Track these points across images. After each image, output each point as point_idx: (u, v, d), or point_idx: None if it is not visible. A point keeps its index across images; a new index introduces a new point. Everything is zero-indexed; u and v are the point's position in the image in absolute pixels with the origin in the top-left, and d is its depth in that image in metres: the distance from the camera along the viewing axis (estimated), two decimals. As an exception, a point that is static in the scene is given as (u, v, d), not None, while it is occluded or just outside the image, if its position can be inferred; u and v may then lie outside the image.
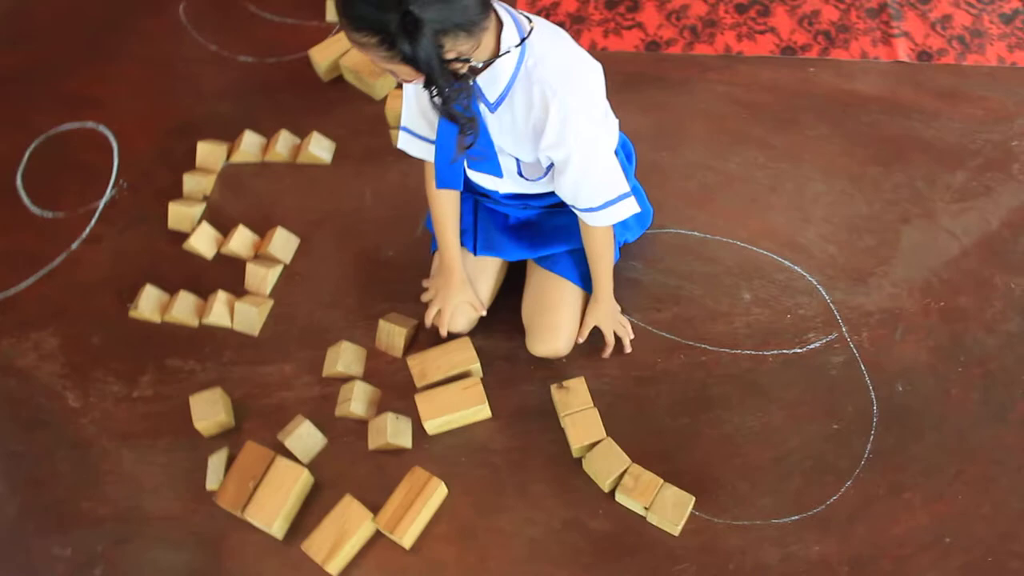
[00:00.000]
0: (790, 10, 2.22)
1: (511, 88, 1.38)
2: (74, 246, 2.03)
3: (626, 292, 1.81)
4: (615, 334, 1.74)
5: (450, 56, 1.20)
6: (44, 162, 2.17)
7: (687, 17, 2.21)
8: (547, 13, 2.24)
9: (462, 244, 1.73)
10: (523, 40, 1.33)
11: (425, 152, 1.59)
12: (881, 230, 1.91)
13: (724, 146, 2.02)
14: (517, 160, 1.52)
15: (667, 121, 2.06)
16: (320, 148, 2.04)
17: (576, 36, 2.17)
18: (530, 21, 1.37)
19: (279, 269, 1.91)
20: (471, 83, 1.29)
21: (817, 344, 1.78)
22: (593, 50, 2.14)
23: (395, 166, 2.04)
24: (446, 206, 1.66)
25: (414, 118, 1.56)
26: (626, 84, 2.10)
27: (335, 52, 2.14)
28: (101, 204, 2.08)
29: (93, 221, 2.06)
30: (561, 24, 2.21)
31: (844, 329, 1.79)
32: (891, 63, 2.15)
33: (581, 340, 1.73)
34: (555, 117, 1.37)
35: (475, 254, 1.74)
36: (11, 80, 2.32)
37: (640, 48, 2.17)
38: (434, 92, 1.22)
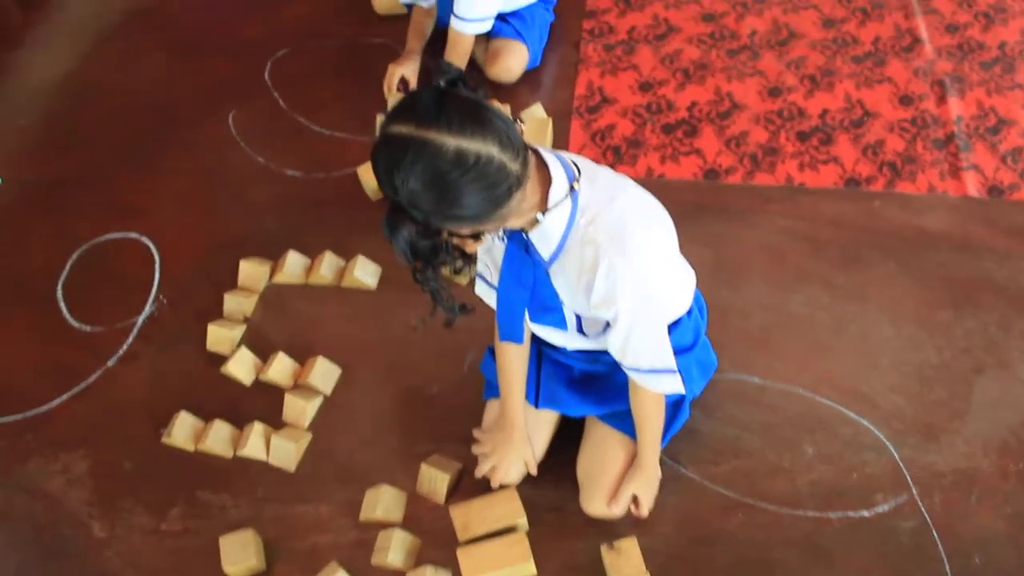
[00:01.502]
0: (854, 139, 2.15)
1: (563, 247, 1.31)
2: (110, 363, 1.97)
3: (682, 443, 1.71)
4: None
5: (454, 238, 1.17)
6: (85, 272, 2.13)
7: (747, 144, 2.14)
8: (602, 135, 2.19)
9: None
10: (569, 194, 1.26)
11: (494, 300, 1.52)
12: (953, 381, 1.80)
13: (786, 284, 1.94)
14: (577, 316, 1.45)
15: (727, 256, 1.98)
16: (365, 273, 1.99)
17: (632, 161, 2.13)
18: (579, 171, 1.29)
19: (319, 401, 1.84)
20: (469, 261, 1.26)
21: (886, 507, 1.66)
22: (649, 177, 2.09)
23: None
24: (513, 359, 1.58)
25: (484, 265, 1.50)
26: (685, 214, 2.00)
27: (385, 172, 2.10)
28: (140, 320, 2.03)
29: (131, 338, 2.01)
30: (616, 149, 2.16)
31: (914, 491, 1.67)
32: (960, 198, 2.06)
33: (617, 510, 1.59)
34: (601, 280, 1.29)
35: (536, 407, 1.65)
36: (55, 187, 2.31)
37: (699, 176, 2.10)
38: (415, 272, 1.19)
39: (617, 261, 1.27)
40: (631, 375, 1.46)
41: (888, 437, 1.74)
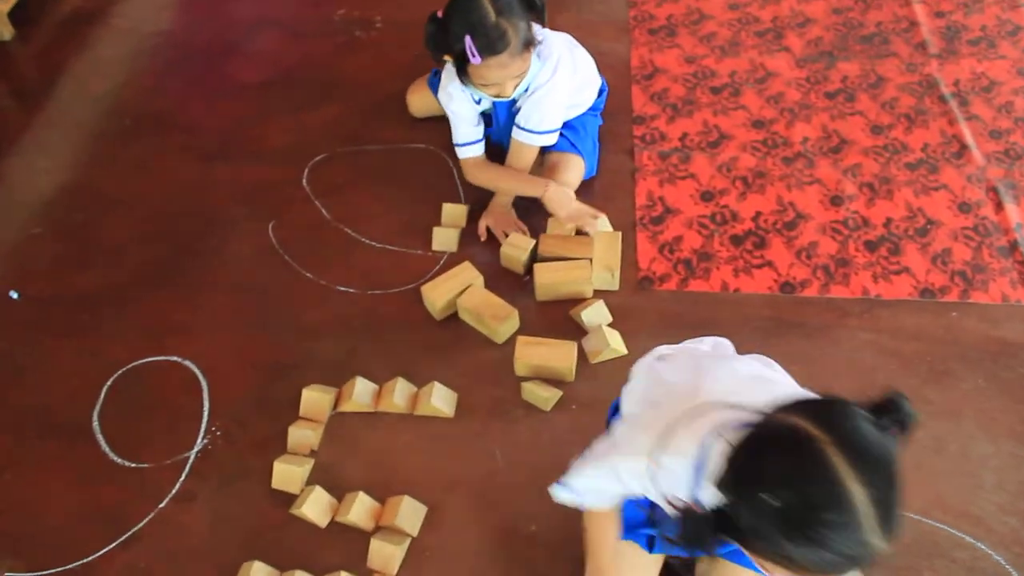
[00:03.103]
0: (921, 248, 2.13)
1: None
2: (162, 504, 1.81)
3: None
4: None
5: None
6: (122, 401, 1.97)
7: (817, 256, 2.11)
8: (670, 248, 2.13)
9: (633, 540, 1.53)
10: None
11: None
12: (1063, 501, 1.76)
13: (880, 403, 1.88)
14: None
15: (814, 374, 1.91)
16: (441, 400, 1.87)
17: (705, 275, 2.08)
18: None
19: (406, 544, 1.70)
20: None
21: (1022, 640, 1.59)
22: (725, 291, 2.04)
23: (524, 421, 1.87)
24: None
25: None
26: (766, 331, 1.98)
27: (451, 290, 2.00)
28: (192, 455, 1.87)
29: (183, 475, 1.84)
30: (687, 262, 2.11)
31: (1048, 622, 1.61)
32: (1034, 308, 2.05)
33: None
34: None
35: (650, 551, 1.55)
36: (78, 305, 2.14)
37: (774, 289, 2.05)
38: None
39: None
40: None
41: (1008, 561, 1.67)
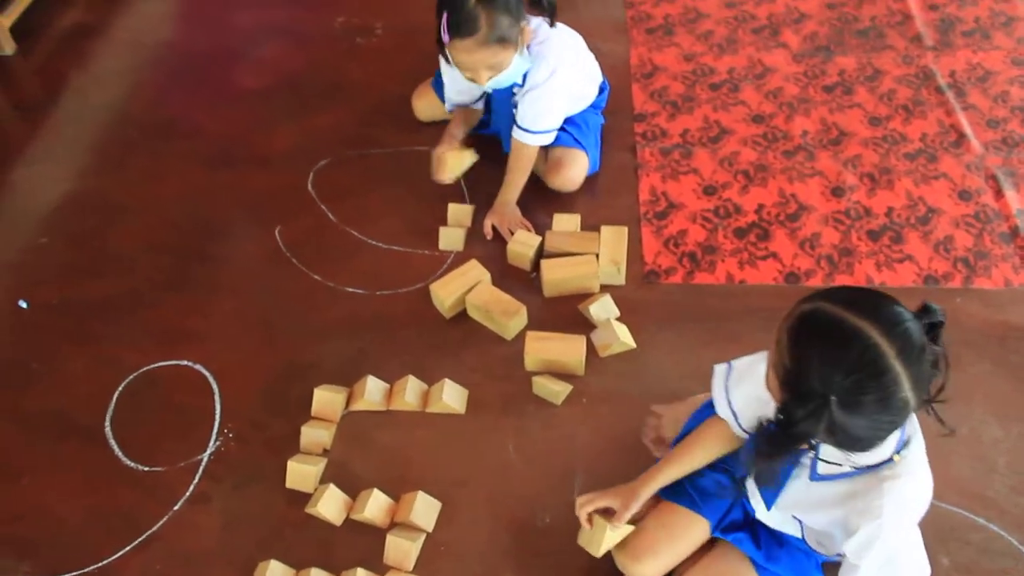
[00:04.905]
0: (923, 236, 2.15)
1: None
2: (177, 507, 1.81)
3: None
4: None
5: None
6: (134, 405, 1.98)
7: (821, 246, 2.13)
8: (675, 242, 2.15)
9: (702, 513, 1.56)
10: None
11: None
12: (1072, 481, 1.77)
13: (888, 389, 1.89)
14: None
15: (823, 362, 1.93)
16: (453, 397, 1.88)
17: (710, 268, 2.09)
18: None
19: (421, 540, 1.71)
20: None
21: (1036, 620, 1.60)
22: (731, 283, 2.06)
23: (536, 416, 1.88)
24: None
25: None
26: (774, 322, 1.96)
27: (460, 288, 2.02)
28: (205, 456, 1.88)
29: (197, 477, 1.85)
30: (692, 255, 2.12)
31: (1061, 602, 1.62)
32: (1037, 290, 2.07)
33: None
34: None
35: (712, 533, 1.56)
36: (89, 311, 2.15)
37: (779, 280, 2.07)
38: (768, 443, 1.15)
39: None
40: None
41: (1022, 542, 1.69)
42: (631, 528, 1.53)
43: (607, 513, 1.53)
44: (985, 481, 1.77)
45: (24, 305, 2.17)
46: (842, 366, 1.10)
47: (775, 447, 1.16)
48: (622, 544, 1.54)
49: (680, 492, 1.57)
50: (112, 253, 2.28)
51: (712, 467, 1.57)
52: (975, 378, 1.92)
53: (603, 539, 1.50)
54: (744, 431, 1.46)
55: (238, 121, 2.62)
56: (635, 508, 1.51)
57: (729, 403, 1.46)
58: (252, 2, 3.10)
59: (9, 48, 2.90)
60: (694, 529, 1.56)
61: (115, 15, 3.07)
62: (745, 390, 1.43)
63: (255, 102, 2.68)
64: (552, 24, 2.05)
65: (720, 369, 1.50)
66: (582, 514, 1.53)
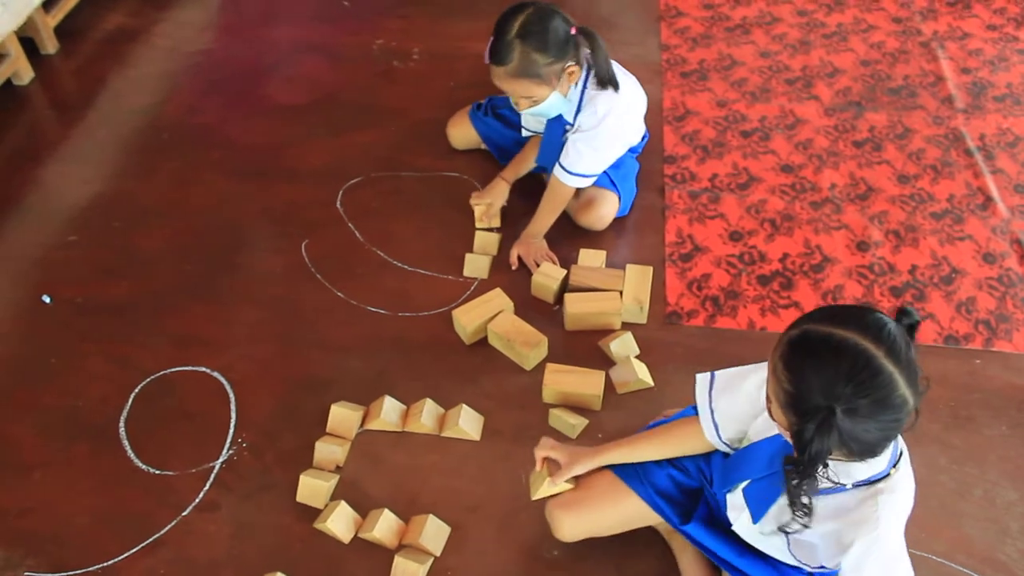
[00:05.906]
0: (946, 296, 2.15)
1: None
2: (185, 512, 1.81)
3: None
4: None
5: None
6: (150, 408, 1.99)
7: (843, 299, 2.13)
8: (698, 285, 2.16)
9: (662, 513, 1.57)
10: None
11: None
12: (1085, 551, 1.76)
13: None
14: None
15: (840, 414, 1.93)
16: (468, 422, 1.89)
17: (732, 313, 2.10)
18: None
19: (429, 563, 1.71)
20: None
21: None
22: (751, 329, 2.06)
23: (550, 447, 1.88)
24: None
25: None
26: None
27: (482, 315, 2.03)
28: (217, 464, 1.88)
29: (208, 484, 1.85)
30: (715, 299, 2.13)
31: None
32: (1058, 359, 2.07)
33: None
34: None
35: (680, 526, 1.56)
36: (110, 312, 2.18)
37: (800, 330, 2.07)
38: (796, 475, 1.18)
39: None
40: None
41: (1033, 612, 1.68)
42: (569, 487, 1.60)
43: (555, 465, 1.59)
44: (997, 544, 1.76)
45: (47, 300, 2.19)
46: (839, 376, 1.13)
47: (801, 475, 1.19)
48: (557, 498, 1.61)
49: (629, 470, 1.60)
50: (137, 256, 2.30)
51: (671, 462, 1.61)
52: (990, 440, 1.91)
53: (539, 488, 1.58)
54: (723, 443, 1.50)
55: (271, 134, 2.64)
56: (576, 471, 1.57)
57: (712, 412, 1.49)
58: (292, 19, 3.14)
59: (52, 47, 2.94)
60: (625, 505, 1.59)
61: (157, 22, 3.12)
62: (728, 400, 1.48)
63: (290, 117, 2.71)
64: (613, 88, 2.10)
65: (702, 378, 1.53)
66: (538, 455, 1.60)
